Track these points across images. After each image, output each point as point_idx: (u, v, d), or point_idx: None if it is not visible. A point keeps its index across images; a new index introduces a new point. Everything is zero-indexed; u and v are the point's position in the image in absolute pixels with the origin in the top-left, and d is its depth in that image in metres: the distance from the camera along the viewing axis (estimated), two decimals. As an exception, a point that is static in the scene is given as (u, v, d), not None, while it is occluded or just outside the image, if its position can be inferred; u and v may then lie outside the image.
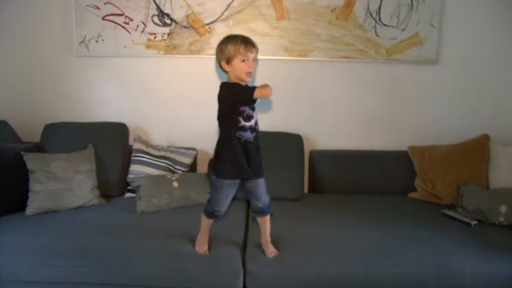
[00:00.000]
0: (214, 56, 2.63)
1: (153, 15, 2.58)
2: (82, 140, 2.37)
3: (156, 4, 2.56)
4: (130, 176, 2.35)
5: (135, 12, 2.57)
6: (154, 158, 2.40)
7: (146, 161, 2.38)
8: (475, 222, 2.08)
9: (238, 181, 1.72)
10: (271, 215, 1.81)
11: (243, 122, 1.63)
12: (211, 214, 1.76)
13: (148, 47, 2.60)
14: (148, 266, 1.71)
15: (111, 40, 2.58)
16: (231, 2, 2.56)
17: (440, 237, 1.91)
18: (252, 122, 1.65)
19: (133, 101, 2.70)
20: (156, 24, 2.58)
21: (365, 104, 2.72)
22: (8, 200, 2.07)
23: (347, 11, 2.58)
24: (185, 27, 2.59)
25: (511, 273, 1.72)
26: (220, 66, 1.68)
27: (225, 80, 1.71)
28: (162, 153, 2.44)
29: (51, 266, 1.70)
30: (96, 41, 2.58)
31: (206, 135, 2.61)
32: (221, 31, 2.58)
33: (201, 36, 2.60)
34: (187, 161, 2.48)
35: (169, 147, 2.52)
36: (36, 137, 2.45)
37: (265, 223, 1.79)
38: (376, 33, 2.61)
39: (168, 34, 2.59)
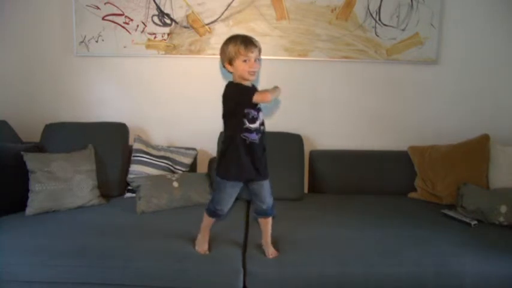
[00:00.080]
0: (214, 56, 2.67)
1: (153, 15, 2.58)
2: (82, 140, 2.37)
3: (156, 4, 2.56)
4: (130, 176, 2.35)
5: (135, 12, 2.57)
6: (154, 158, 2.40)
7: (146, 161, 2.38)
8: (475, 222, 2.08)
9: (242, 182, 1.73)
10: (273, 217, 1.81)
11: (247, 124, 1.63)
12: (213, 213, 1.76)
13: (148, 47, 2.60)
14: (148, 266, 1.71)
15: (111, 40, 2.58)
16: (231, 2, 2.56)
17: (440, 237, 1.91)
18: (257, 124, 1.65)
19: (133, 101, 2.70)
20: (156, 24, 2.58)
21: (365, 104, 2.72)
22: (8, 200, 2.07)
23: (347, 11, 2.58)
24: (185, 27, 2.59)
25: (511, 273, 1.72)
26: (224, 67, 1.68)
27: (230, 79, 1.72)
28: (162, 153, 2.44)
29: (51, 266, 1.71)
30: (96, 41, 2.58)
31: (206, 135, 2.62)
32: (221, 31, 2.58)
33: (201, 36, 2.60)
34: (187, 161, 2.49)
35: (169, 147, 2.52)
36: (36, 137, 2.45)
37: (267, 225, 1.79)
38: (376, 33, 2.61)
39: (168, 34, 2.59)
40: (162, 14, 2.57)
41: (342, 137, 2.72)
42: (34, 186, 2.09)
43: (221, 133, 2.49)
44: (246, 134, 1.64)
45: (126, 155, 2.44)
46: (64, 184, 2.14)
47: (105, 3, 2.55)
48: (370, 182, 2.56)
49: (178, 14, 2.57)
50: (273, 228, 1.81)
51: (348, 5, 2.57)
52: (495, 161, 2.41)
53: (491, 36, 2.65)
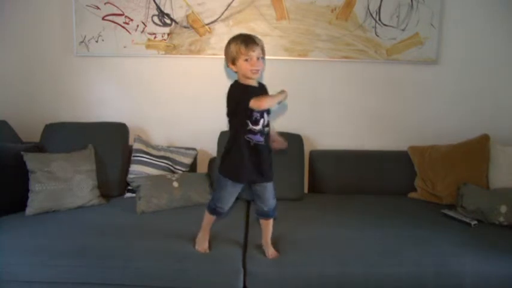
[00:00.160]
0: (214, 56, 2.67)
1: (153, 15, 2.58)
2: (82, 140, 2.37)
3: (156, 4, 2.56)
4: (130, 176, 2.35)
5: (135, 12, 2.57)
6: (154, 158, 2.40)
7: (146, 161, 2.38)
8: (475, 222, 2.08)
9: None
10: (274, 219, 1.81)
11: (251, 125, 1.63)
12: (213, 211, 1.77)
13: (148, 47, 2.60)
14: (148, 266, 1.71)
15: (111, 40, 2.58)
16: (231, 2, 2.56)
17: (440, 237, 1.91)
18: (260, 126, 1.64)
19: (133, 101, 2.70)
20: (156, 24, 2.58)
21: (365, 104, 2.72)
22: (8, 200, 2.07)
23: (347, 11, 2.58)
24: (185, 27, 2.59)
25: (511, 273, 1.72)
26: (229, 67, 1.69)
27: (235, 79, 1.72)
28: (162, 153, 2.44)
29: (51, 266, 1.71)
30: (96, 41, 2.58)
31: (206, 135, 2.62)
32: (221, 31, 2.58)
33: (201, 36, 2.60)
34: (187, 161, 2.49)
35: (169, 147, 2.52)
36: (36, 137, 2.45)
37: (268, 226, 1.79)
38: (376, 33, 2.61)
39: (168, 34, 2.59)
40: (162, 14, 2.57)
41: (342, 137, 2.72)
42: (34, 186, 2.09)
43: (221, 133, 2.49)
44: (250, 136, 1.63)
45: (126, 155, 2.44)
46: (64, 184, 2.14)
47: (105, 3, 2.55)
48: (370, 182, 2.56)
49: (178, 14, 2.57)
50: (273, 228, 1.81)
51: (348, 5, 2.57)
52: (495, 161, 2.41)
53: (491, 36, 2.65)
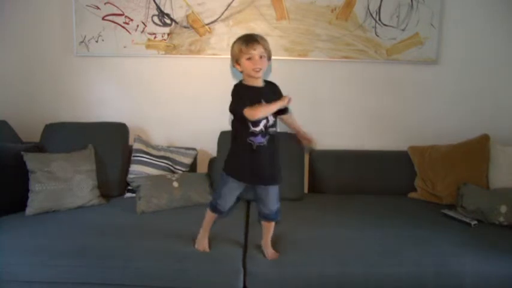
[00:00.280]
0: (214, 56, 2.67)
1: (153, 15, 2.58)
2: (82, 140, 2.37)
3: (156, 4, 2.56)
4: (130, 176, 2.35)
5: (135, 12, 2.57)
6: (154, 158, 2.40)
7: (146, 161, 2.38)
8: (475, 222, 2.08)
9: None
10: (276, 222, 1.80)
11: (252, 128, 1.63)
12: (214, 208, 1.77)
13: (148, 47, 2.60)
14: (148, 266, 1.71)
15: (111, 40, 2.58)
16: (231, 2, 2.56)
17: (440, 237, 1.91)
18: (261, 126, 1.64)
19: (133, 101, 2.70)
20: (156, 24, 2.58)
21: (365, 104, 2.72)
22: (8, 200, 2.07)
23: (347, 11, 2.58)
24: (185, 27, 2.59)
25: (511, 273, 1.72)
26: (235, 67, 1.69)
27: (241, 78, 1.73)
28: (162, 153, 2.44)
29: (51, 266, 1.71)
30: (96, 41, 2.58)
31: (206, 135, 2.62)
32: (221, 31, 2.58)
33: (201, 36, 2.60)
34: (187, 161, 2.49)
35: (169, 147, 2.52)
36: (36, 137, 2.45)
37: (269, 228, 1.79)
38: (376, 33, 2.61)
39: (168, 34, 2.59)
40: (162, 14, 2.57)
41: (342, 137, 2.72)
42: (34, 186, 2.09)
43: (221, 133, 2.49)
44: (252, 138, 1.63)
45: (126, 155, 2.44)
46: (64, 184, 2.14)
47: (105, 3, 2.55)
48: (370, 182, 2.56)
49: (178, 14, 2.57)
50: (273, 228, 1.81)
51: (348, 5, 2.57)
52: (495, 161, 2.41)
53: (491, 36, 2.65)
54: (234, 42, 1.66)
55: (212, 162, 2.58)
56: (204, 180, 2.37)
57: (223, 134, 2.48)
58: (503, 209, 2.08)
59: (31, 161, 2.13)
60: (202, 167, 2.63)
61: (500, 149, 2.42)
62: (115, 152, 2.42)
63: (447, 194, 2.39)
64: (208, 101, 2.67)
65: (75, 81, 2.67)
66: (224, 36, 2.59)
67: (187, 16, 2.58)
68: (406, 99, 2.72)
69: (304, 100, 2.71)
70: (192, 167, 2.54)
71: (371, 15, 2.59)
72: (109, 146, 2.41)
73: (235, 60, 1.66)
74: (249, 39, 1.62)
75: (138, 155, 2.40)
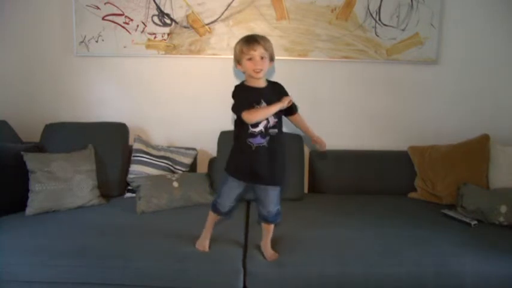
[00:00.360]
0: (214, 56, 2.67)
1: (153, 15, 2.58)
2: (82, 140, 2.37)
3: (156, 4, 2.56)
4: (130, 176, 2.35)
5: (135, 12, 2.57)
6: (154, 158, 2.40)
7: (146, 161, 2.38)
8: (475, 222, 2.08)
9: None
10: (275, 225, 1.80)
11: (251, 129, 1.63)
12: (214, 207, 1.78)
13: (148, 47, 2.60)
14: (148, 266, 1.71)
15: (111, 40, 2.58)
16: (231, 2, 2.56)
17: (440, 237, 1.91)
18: (260, 127, 1.63)
19: (133, 101, 2.70)
20: (156, 24, 2.58)
21: (365, 104, 2.72)
22: (8, 200, 2.07)
23: (347, 11, 2.58)
24: (185, 27, 2.59)
25: (511, 273, 1.72)
26: (237, 68, 1.70)
27: (243, 79, 1.73)
28: (162, 153, 2.44)
29: (51, 266, 1.70)
30: (96, 41, 2.58)
31: (206, 135, 2.62)
32: (221, 31, 2.58)
33: (201, 36, 2.60)
34: (187, 161, 2.49)
35: (169, 147, 2.52)
36: (36, 137, 2.45)
37: (268, 230, 1.79)
38: (376, 33, 2.61)
39: (168, 34, 2.59)
40: (162, 14, 2.57)
41: (342, 137, 2.72)
42: (34, 186, 2.09)
43: (221, 133, 2.50)
44: (251, 140, 1.64)
45: (126, 155, 2.44)
46: (64, 184, 2.14)
47: (105, 3, 2.55)
48: (370, 182, 2.56)
49: (178, 14, 2.57)
50: (273, 229, 1.81)
51: (348, 5, 2.57)
52: (495, 161, 2.41)
53: (491, 36, 2.65)
54: (237, 43, 1.66)
55: (212, 162, 2.58)
56: (204, 180, 2.37)
57: (223, 134, 2.48)
58: (503, 209, 2.08)
59: (31, 161, 2.13)
60: (202, 167, 2.63)
61: (500, 149, 2.42)
62: (115, 152, 2.42)
63: (447, 194, 2.39)
64: (208, 101, 2.67)
65: (75, 81, 2.67)
66: (224, 36, 2.59)
67: (187, 16, 2.58)
68: (406, 99, 2.72)
69: (304, 100, 2.69)
70: (192, 167, 2.54)
71: (371, 15, 2.59)
72: (109, 146, 2.41)
73: (237, 61, 1.67)
74: (250, 40, 1.62)
75: (138, 155, 2.40)
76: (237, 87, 1.69)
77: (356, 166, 2.58)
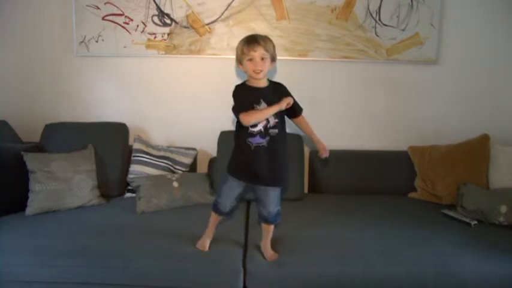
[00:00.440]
0: (214, 56, 2.67)
1: (153, 15, 2.58)
2: (82, 140, 2.37)
3: (156, 4, 2.56)
4: (130, 176, 2.35)
5: (135, 12, 2.57)
6: (154, 158, 2.40)
7: (146, 161, 2.38)
8: (475, 222, 2.08)
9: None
10: (275, 226, 1.80)
11: (250, 128, 1.63)
12: (215, 207, 1.79)
13: (148, 47, 2.60)
14: (148, 266, 1.71)
15: (111, 40, 2.58)
16: (231, 2, 2.56)
17: (440, 237, 1.91)
18: (259, 127, 1.63)
19: (133, 101, 2.70)
20: (156, 24, 2.58)
21: (365, 104, 2.72)
22: (8, 200, 2.07)
23: (347, 11, 2.58)
24: (185, 27, 2.59)
25: (511, 273, 1.72)
26: (239, 68, 1.70)
27: (245, 78, 1.73)
28: (162, 153, 2.44)
29: (51, 266, 1.70)
30: (96, 41, 2.58)
31: (206, 135, 2.62)
32: (221, 31, 2.58)
33: (201, 36, 2.60)
34: (187, 161, 2.49)
35: (169, 147, 2.52)
36: (36, 137, 2.45)
37: (268, 230, 1.79)
38: (376, 33, 2.61)
39: (168, 34, 2.59)
40: (162, 14, 2.57)
41: (341, 137, 2.72)
42: (34, 186, 2.09)
43: (221, 133, 2.50)
44: (250, 140, 1.64)
45: (126, 155, 2.44)
46: (64, 184, 2.14)
47: (105, 3, 2.55)
48: (370, 182, 2.56)
49: (178, 14, 2.57)
50: (273, 230, 1.81)
51: (348, 5, 2.57)
52: (495, 161, 2.41)
53: (491, 36, 2.65)
54: (238, 43, 1.66)
55: (212, 162, 2.58)
56: (204, 180, 2.37)
57: (223, 134, 2.48)
58: (503, 209, 2.08)
59: (31, 161, 2.13)
60: (202, 167, 2.63)
61: (500, 149, 2.42)
62: (115, 152, 2.42)
63: (447, 194, 2.39)
64: (208, 101, 2.67)
65: (75, 81, 2.67)
66: (224, 36, 2.59)
67: (187, 16, 2.58)
68: (406, 99, 2.72)
69: (304, 100, 2.68)
70: (192, 167, 2.54)
71: (371, 15, 2.59)
72: (109, 146, 2.41)
73: (239, 61, 1.67)
74: (251, 41, 1.62)
75: (138, 155, 2.40)
76: (237, 86, 1.69)
77: (356, 166, 2.58)
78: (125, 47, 2.59)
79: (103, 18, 2.56)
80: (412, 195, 2.52)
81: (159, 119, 2.70)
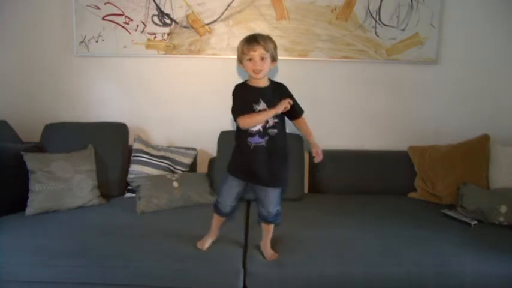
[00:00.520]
0: (214, 56, 2.67)
1: (153, 15, 2.57)
2: (82, 140, 2.37)
3: (156, 4, 2.56)
4: (130, 176, 2.35)
5: (135, 12, 2.57)
6: (154, 158, 2.40)
7: (146, 161, 2.38)
8: (475, 222, 2.08)
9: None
10: (275, 225, 1.80)
11: (249, 128, 1.63)
12: (216, 207, 1.79)
13: (148, 47, 2.60)
14: (148, 266, 1.71)
15: (111, 40, 2.58)
16: (231, 2, 2.56)
17: (440, 237, 1.91)
18: (258, 127, 1.63)
19: (133, 101, 2.70)
20: (156, 24, 2.58)
21: (365, 104, 2.72)
22: (8, 200, 2.07)
23: (347, 11, 2.58)
24: (185, 27, 2.59)
25: (511, 273, 1.72)
26: (240, 67, 1.70)
27: (246, 78, 1.74)
28: (162, 153, 2.44)
29: (51, 266, 1.70)
30: (96, 41, 2.58)
31: (206, 135, 2.62)
32: (221, 31, 2.58)
33: (201, 36, 2.60)
34: (187, 161, 2.49)
35: (169, 147, 2.52)
36: (36, 137, 2.45)
37: (268, 230, 1.79)
38: (376, 33, 2.61)
39: (168, 34, 2.59)
40: (162, 14, 2.57)
41: (342, 137, 2.72)
42: (34, 186, 2.09)
43: (221, 133, 2.50)
44: (249, 139, 1.64)
45: (126, 155, 2.44)
46: (64, 184, 2.14)
47: (105, 3, 2.55)
48: (370, 182, 2.56)
49: (178, 14, 2.57)
50: (273, 229, 1.81)
51: (348, 5, 2.57)
52: (495, 161, 2.41)
53: (491, 36, 2.65)
54: (239, 43, 1.66)
55: (212, 162, 2.58)
56: (204, 180, 2.37)
57: (223, 134, 2.48)
58: (503, 209, 2.08)
59: (31, 161, 2.13)
60: (202, 167, 2.63)
61: (500, 149, 2.42)
62: (115, 152, 2.42)
63: (447, 194, 2.39)
64: (208, 101, 2.67)
65: (75, 81, 2.67)
66: (224, 36, 2.59)
67: (187, 16, 2.58)
68: (406, 99, 2.72)
69: (304, 100, 2.69)
70: (192, 167, 2.54)
71: (371, 15, 2.59)
72: (109, 146, 2.41)
73: (239, 61, 1.67)
74: (251, 40, 1.62)
75: (138, 155, 2.40)
76: (237, 86, 1.69)
77: (356, 166, 2.58)
78: (125, 47, 2.59)
79: (103, 18, 2.56)
80: (412, 195, 2.52)
81: (159, 119, 2.70)
